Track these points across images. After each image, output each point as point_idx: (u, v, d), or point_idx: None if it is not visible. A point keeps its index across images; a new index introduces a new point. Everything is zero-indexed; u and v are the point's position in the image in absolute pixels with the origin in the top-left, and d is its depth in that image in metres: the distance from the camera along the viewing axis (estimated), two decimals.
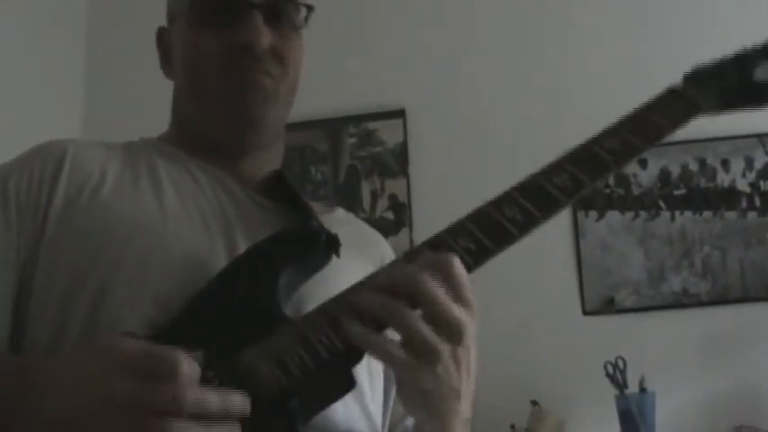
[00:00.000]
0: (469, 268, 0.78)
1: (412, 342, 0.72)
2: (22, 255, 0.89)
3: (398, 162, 3.01)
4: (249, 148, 1.03)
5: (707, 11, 2.94)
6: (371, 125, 3.06)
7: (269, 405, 0.73)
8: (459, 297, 0.74)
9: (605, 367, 2.56)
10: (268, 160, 1.06)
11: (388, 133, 3.04)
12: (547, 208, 0.82)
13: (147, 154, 1.02)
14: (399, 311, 0.72)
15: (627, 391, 2.53)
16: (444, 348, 0.73)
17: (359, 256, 0.97)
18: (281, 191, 1.02)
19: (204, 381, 0.71)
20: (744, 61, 0.95)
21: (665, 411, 2.55)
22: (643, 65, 2.78)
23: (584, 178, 0.85)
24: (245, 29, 0.97)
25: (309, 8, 1.03)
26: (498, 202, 0.83)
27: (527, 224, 0.81)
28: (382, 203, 2.98)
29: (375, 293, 0.74)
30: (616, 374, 2.55)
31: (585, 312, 2.82)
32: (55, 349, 0.83)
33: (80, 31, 3.19)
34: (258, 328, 0.78)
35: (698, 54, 1.03)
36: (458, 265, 0.75)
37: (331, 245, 0.89)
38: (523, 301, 2.79)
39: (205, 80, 1.01)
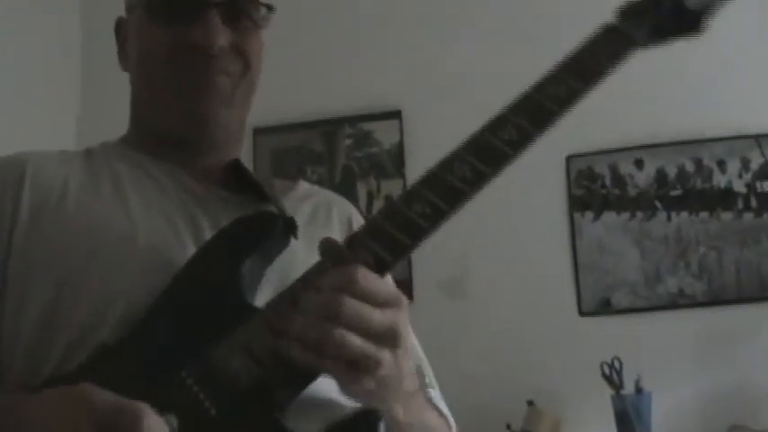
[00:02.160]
0: (387, 266, 0.77)
1: (354, 359, 0.72)
2: None
3: (394, 163, 3.01)
4: (205, 148, 1.02)
5: None
6: (367, 126, 3.06)
7: (246, 397, 0.74)
8: (377, 303, 0.74)
9: (601, 368, 2.56)
10: (228, 156, 1.04)
11: (385, 134, 3.04)
12: (495, 164, 0.81)
13: (107, 160, 1.01)
14: (333, 340, 0.71)
15: (623, 392, 2.53)
16: (384, 354, 0.74)
17: (321, 230, 0.98)
18: (242, 181, 1.01)
19: (178, 384, 0.74)
20: None
21: (660, 411, 2.55)
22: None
23: (531, 128, 0.83)
24: (200, 28, 0.95)
25: (269, 8, 1.02)
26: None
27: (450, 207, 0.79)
28: (378, 204, 2.97)
29: (307, 323, 0.73)
30: (612, 375, 2.56)
31: (582, 313, 2.82)
32: (34, 368, 0.84)
33: (75, 45, 3.18)
34: (226, 321, 0.79)
35: None
36: (361, 275, 0.74)
37: (288, 228, 0.90)
38: (520, 302, 2.79)
39: (157, 78, 0.99)
